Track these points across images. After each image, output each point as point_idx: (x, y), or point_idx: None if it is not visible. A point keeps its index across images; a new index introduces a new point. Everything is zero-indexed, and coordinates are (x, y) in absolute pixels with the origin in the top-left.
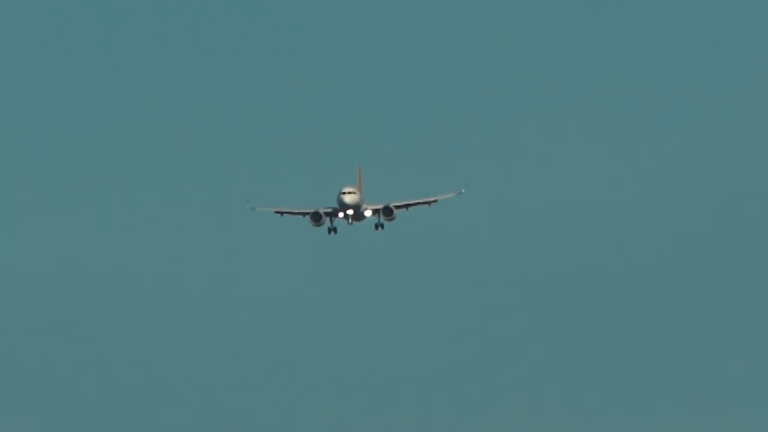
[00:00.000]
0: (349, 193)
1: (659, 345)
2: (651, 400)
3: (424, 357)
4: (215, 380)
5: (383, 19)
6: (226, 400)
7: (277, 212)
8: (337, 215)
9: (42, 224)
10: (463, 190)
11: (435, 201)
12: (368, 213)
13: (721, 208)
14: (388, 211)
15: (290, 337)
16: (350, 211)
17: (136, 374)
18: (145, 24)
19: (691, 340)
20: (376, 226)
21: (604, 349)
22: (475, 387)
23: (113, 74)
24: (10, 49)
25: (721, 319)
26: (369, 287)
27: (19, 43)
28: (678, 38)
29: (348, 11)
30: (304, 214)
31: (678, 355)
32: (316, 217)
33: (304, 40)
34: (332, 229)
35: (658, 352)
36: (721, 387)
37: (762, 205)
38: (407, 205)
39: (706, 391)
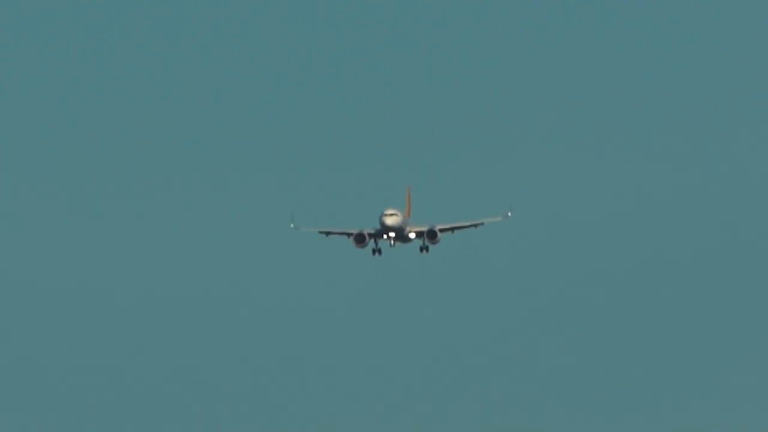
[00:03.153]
0: (391, 215)
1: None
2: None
3: (466, 380)
4: (256, 398)
5: (426, 40)
6: (270, 419)
7: (321, 233)
8: (382, 237)
9: (70, 238)
10: (510, 214)
11: (481, 224)
12: (413, 235)
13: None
14: (432, 234)
15: (333, 358)
16: (392, 233)
17: (176, 394)
18: (191, 41)
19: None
20: (421, 249)
21: (649, 374)
22: (519, 409)
23: (156, 91)
24: (10, 49)
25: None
26: (412, 310)
27: (20, 43)
28: (700, 43)
29: (392, 31)
30: (348, 234)
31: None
32: (360, 239)
33: (350, 60)
34: (377, 251)
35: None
36: (733, 393)
37: None
38: (453, 228)
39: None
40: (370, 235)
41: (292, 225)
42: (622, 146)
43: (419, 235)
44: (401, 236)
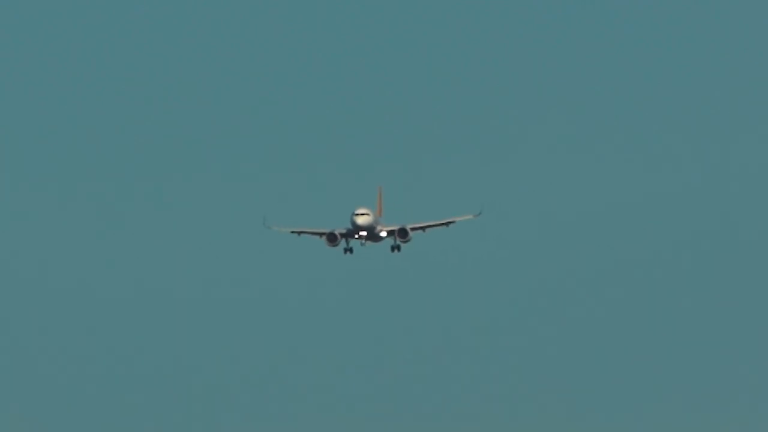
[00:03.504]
0: (362, 214)
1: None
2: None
3: (438, 379)
4: (228, 397)
5: (402, 41)
6: (240, 422)
7: (293, 232)
8: (353, 236)
9: (48, 241)
10: (480, 212)
11: (452, 222)
12: (384, 234)
13: (742, 212)
14: (403, 233)
15: (305, 356)
16: (363, 232)
17: (150, 398)
18: (161, 44)
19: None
20: (392, 248)
21: (620, 374)
22: (490, 409)
23: (136, 94)
24: (9, 49)
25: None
26: (383, 309)
27: (19, 43)
28: (694, 42)
29: (371, 33)
30: (320, 234)
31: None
32: (332, 238)
33: (325, 60)
34: (348, 250)
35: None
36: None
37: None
38: (423, 227)
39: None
40: (342, 235)
41: (264, 225)
42: (593, 143)
43: (390, 234)
44: (372, 235)
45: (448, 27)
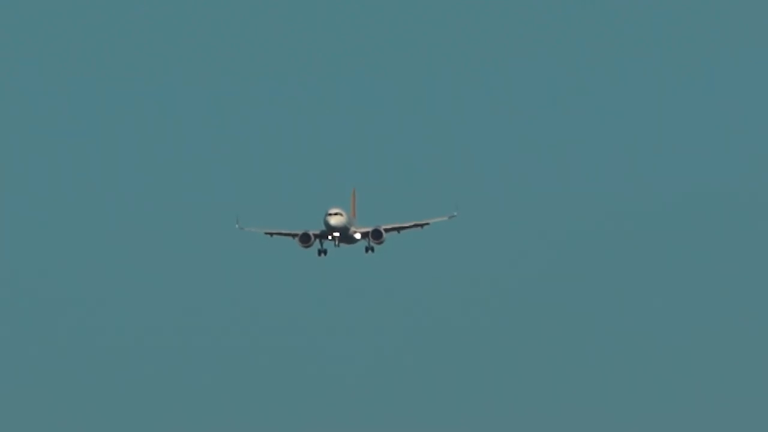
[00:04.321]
0: (335, 214)
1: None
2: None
3: (412, 381)
4: (206, 400)
5: (372, 40)
6: (215, 424)
7: (266, 233)
8: (327, 237)
9: (19, 237)
10: (455, 214)
11: (427, 224)
12: (358, 236)
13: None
14: (377, 234)
15: (278, 358)
16: (337, 233)
17: (125, 402)
18: (121, 48)
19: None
20: (367, 249)
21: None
22: (465, 412)
23: (103, 96)
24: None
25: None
26: (357, 310)
27: (18, 43)
28: (687, 41)
29: (340, 34)
30: (293, 235)
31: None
32: (305, 239)
33: (298, 60)
34: (322, 251)
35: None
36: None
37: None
38: (398, 228)
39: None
40: (315, 236)
41: (237, 225)
42: (569, 144)
43: (364, 235)
44: (346, 236)
45: (418, 28)
